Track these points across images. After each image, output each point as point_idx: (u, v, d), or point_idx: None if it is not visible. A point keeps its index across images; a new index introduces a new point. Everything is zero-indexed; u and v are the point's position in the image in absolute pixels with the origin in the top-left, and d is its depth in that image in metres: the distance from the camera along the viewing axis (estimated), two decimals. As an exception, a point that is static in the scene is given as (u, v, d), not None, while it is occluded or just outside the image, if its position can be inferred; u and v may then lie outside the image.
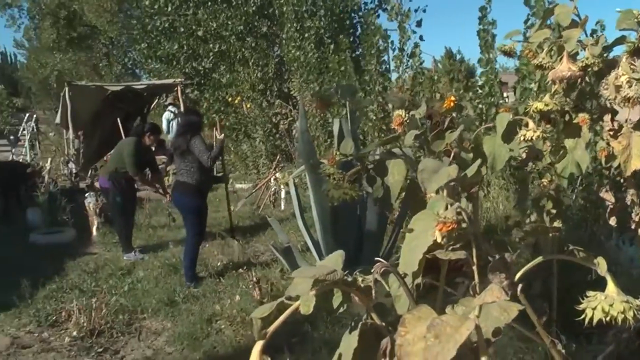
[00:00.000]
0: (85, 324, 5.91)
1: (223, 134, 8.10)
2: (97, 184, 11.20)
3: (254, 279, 6.15)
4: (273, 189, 11.82)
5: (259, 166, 14.03)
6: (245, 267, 7.29)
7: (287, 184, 10.31)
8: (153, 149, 9.14)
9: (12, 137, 21.78)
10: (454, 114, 2.51)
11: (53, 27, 32.26)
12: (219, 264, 7.98)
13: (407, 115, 2.29)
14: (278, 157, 12.58)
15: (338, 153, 2.31)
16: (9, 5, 37.06)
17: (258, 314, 1.33)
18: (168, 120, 15.55)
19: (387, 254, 6.67)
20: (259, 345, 1.35)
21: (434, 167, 1.68)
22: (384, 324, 1.49)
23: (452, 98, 2.49)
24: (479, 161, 1.88)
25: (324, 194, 6.28)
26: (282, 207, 11.63)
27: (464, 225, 1.42)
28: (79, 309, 6.05)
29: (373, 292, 1.44)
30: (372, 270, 1.46)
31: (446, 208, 1.52)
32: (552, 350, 1.73)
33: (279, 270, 7.21)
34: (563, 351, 1.78)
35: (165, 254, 8.57)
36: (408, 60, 9.47)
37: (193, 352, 5.42)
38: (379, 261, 1.47)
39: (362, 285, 1.45)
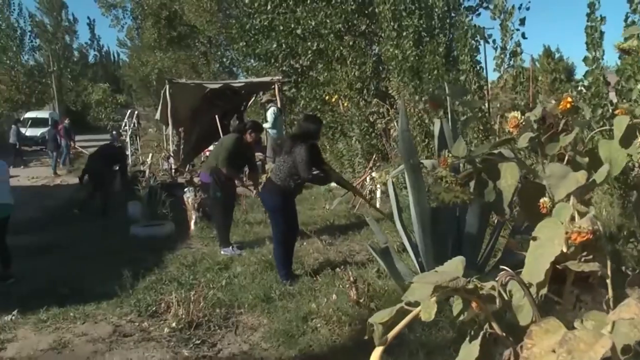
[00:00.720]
0: (183, 316, 6.04)
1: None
2: (196, 179, 11.45)
3: (351, 278, 6.12)
4: (369, 188, 11.77)
5: (355, 165, 14.01)
6: (342, 267, 7.29)
7: (383, 184, 10.25)
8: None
9: (114, 132, 22.57)
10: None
11: (154, 26, 33.28)
12: (314, 262, 8.00)
13: (522, 117, 2.22)
14: (374, 156, 12.52)
15: (450, 155, 2.25)
16: (114, 6, 38.49)
17: (378, 319, 1.30)
18: (275, 115, 15.42)
19: (485, 258, 6.54)
20: (378, 351, 1.32)
21: (562, 173, 1.61)
22: (504, 334, 1.43)
23: (569, 99, 2.39)
24: (607, 166, 1.79)
25: (424, 194, 6.22)
26: (378, 206, 11.56)
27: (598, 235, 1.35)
28: (178, 301, 6.17)
29: (497, 300, 1.38)
30: (497, 279, 1.41)
31: (572, 216, 1.45)
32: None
33: (375, 270, 7.16)
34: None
35: (261, 250, 8.63)
36: (510, 59, 9.25)
37: (289, 350, 5.44)
38: (503, 269, 1.41)
39: (484, 293, 1.40)
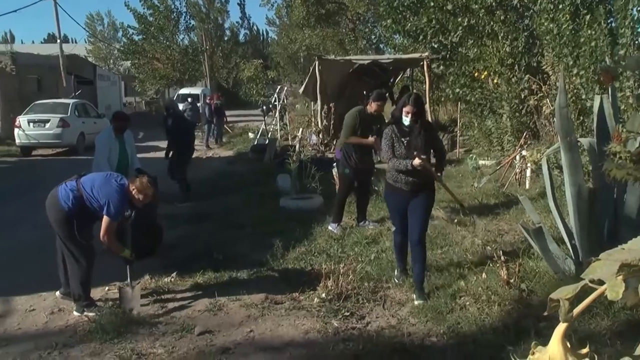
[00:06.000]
0: (332, 288, 6.18)
1: (419, 161, 6.00)
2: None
3: (502, 258, 6.00)
4: (519, 167, 11.48)
5: (504, 143, 13.67)
6: (491, 246, 7.16)
7: (534, 162, 9.96)
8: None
9: (264, 108, 23.15)
10: None
11: (303, 4, 33.49)
12: (462, 239, 7.90)
13: None
14: (525, 134, 12.16)
15: (625, 130, 2.15)
16: (265, -15, 39.28)
17: (563, 295, 1.26)
18: None
19: (645, 243, 6.22)
20: (562, 327, 1.28)
21: None
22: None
23: None
24: None
25: (580, 174, 6.00)
26: (527, 186, 11.26)
27: None
28: (327, 273, 6.30)
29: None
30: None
31: None
32: None
33: (525, 251, 6.98)
34: None
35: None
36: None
37: (437, 326, 5.44)
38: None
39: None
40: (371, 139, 8.63)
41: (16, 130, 21.11)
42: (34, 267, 7.60)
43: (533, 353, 1.31)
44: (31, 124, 21.08)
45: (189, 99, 25.95)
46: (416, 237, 6.21)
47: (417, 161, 5.92)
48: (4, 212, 11.13)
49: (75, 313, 6.13)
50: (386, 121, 8.14)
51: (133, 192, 6.02)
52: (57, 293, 6.52)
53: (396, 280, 6.65)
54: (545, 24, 11.28)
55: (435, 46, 15.70)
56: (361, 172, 9.01)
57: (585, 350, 1.27)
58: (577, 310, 1.27)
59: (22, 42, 74.46)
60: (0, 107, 26.27)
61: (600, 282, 1.28)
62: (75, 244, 6.01)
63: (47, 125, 21.01)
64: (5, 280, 7.20)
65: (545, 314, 1.31)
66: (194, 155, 13.27)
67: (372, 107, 8.76)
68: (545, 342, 1.32)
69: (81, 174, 6.26)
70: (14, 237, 9.31)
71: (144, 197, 6.08)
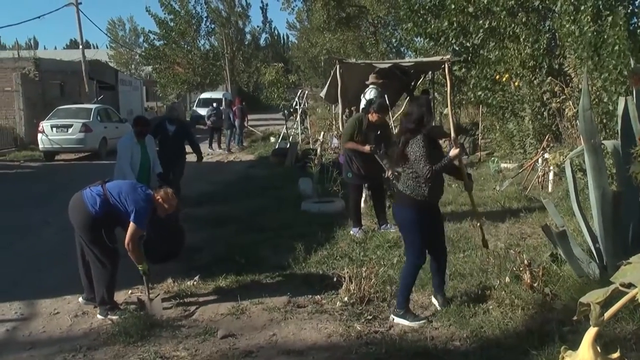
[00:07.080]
0: (355, 291, 6.16)
1: (457, 149, 5.66)
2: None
3: (525, 261, 5.95)
4: (541, 170, 11.39)
5: (526, 146, 13.58)
6: (514, 249, 7.10)
7: (557, 165, 9.88)
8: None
9: (285, 112, 23.20)
10: None
11: (324, 8, 33.45)
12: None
13: None
14: (547, 137, 12.08)
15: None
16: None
17: (593, 299, 1.25)
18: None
19: (670, 246, 6.16)
20: (593, 332, 1.27)
21: None
22: None
23: None
24: None
25: (604, 177, 5.95)
26: (550, 189, 11.18)
27: None
28: (350, 277, 6.28)
29: None
30: None
31: None
32: None
33: (547, 254, 6.92)
34: None
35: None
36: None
37: (460, 330, 5.41)
38: None
39: None
40: (367, 147, 8.66)
41: (39, 135, 21.35)
42: (58, 270, 7.68)
43: (563, 358, 1.30)
44: (54, 129, 21.30)
45: (214, 104, 25.96)
46: (444, 243, 6.10)
47: (454, 151, 5.54)
48: (28, 217, 11.24)
49: (99, 316, 6.17)
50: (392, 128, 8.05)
51: (159, 201, 6.12)
52: (80, 299, 6.57)
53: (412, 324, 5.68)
54: (567, 25, 11.19)
55: (457, 49, 15.64)
56: (366, 177, 9.08)
57: (615, 355, 1.26)
58: (607, 314, 1.25)
59: (45, 48, 75.58)
60: (23, 112, 26.54)
61: (630, 286, 1.27)
62: (100, 247, 6.07)
63: (70, 130, 21.20)
64: (30, 283, 7.30)
65: (575, 318, 1.30)
66: (216, 159, 13.27)
67: (373, 116, 8.79)
68: (570, 346, 1.31)
69: (105, 180, 6.33)
70: (38, 241, 9.40)
71: (168, 207, 6.23)
